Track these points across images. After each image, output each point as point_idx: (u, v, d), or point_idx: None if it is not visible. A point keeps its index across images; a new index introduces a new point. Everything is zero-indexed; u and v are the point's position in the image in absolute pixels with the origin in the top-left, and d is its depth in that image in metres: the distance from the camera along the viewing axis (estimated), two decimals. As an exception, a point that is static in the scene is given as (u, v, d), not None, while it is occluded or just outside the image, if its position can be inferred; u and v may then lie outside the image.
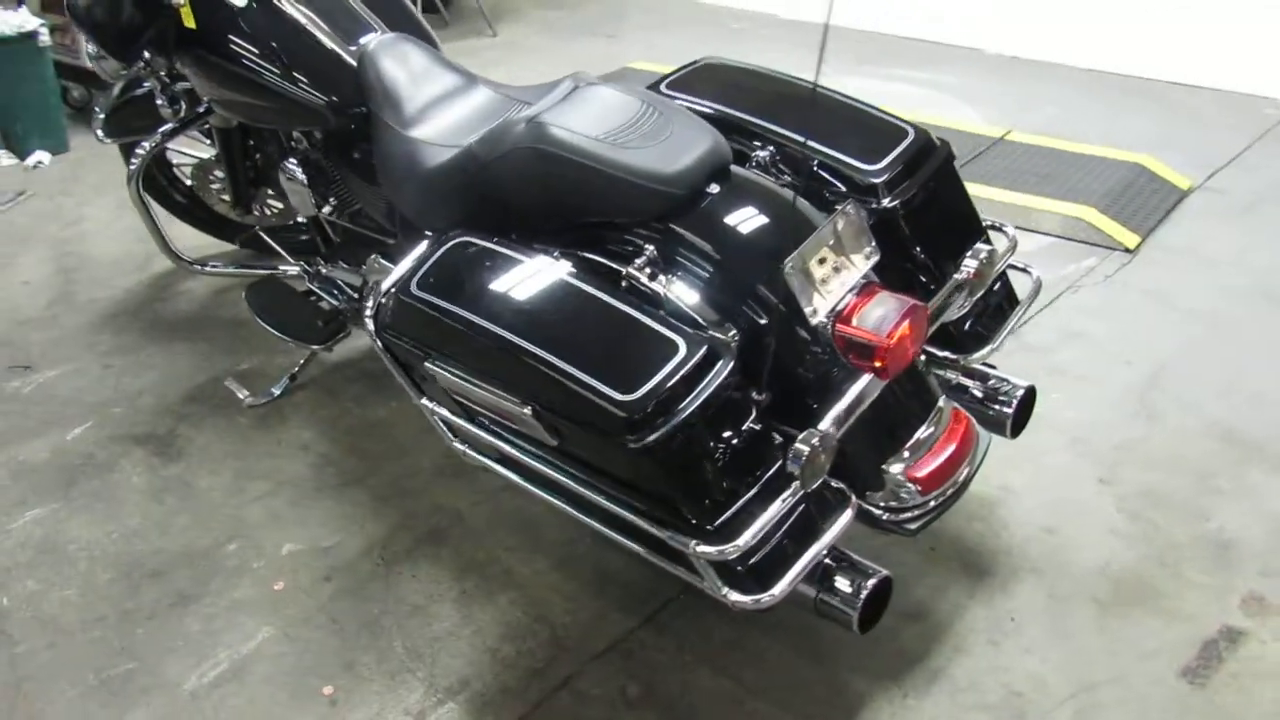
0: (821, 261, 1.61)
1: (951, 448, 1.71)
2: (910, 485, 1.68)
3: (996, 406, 1.89)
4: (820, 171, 1.83)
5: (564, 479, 1.61)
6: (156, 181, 2.96)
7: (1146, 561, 2.06)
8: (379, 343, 1.75)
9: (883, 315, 1.57)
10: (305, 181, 2.34)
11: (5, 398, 2.68)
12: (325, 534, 2.20)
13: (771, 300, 1.59)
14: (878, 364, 1.55)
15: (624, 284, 1.67)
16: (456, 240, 1.73)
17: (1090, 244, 3.20)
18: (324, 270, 2.55)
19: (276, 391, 2.62)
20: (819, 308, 1.58)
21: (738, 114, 1.92)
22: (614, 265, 1.68)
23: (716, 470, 1.50)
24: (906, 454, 1.69)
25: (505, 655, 1.91)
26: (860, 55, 4.91)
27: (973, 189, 3.48)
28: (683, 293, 1.65)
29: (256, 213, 2.80)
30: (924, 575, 2.04)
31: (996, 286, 1.95)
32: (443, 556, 2.13)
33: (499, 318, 1.59)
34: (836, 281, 1.61)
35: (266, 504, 2.28)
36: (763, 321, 1.60)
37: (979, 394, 1.91)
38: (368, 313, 1.75)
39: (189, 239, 3.09)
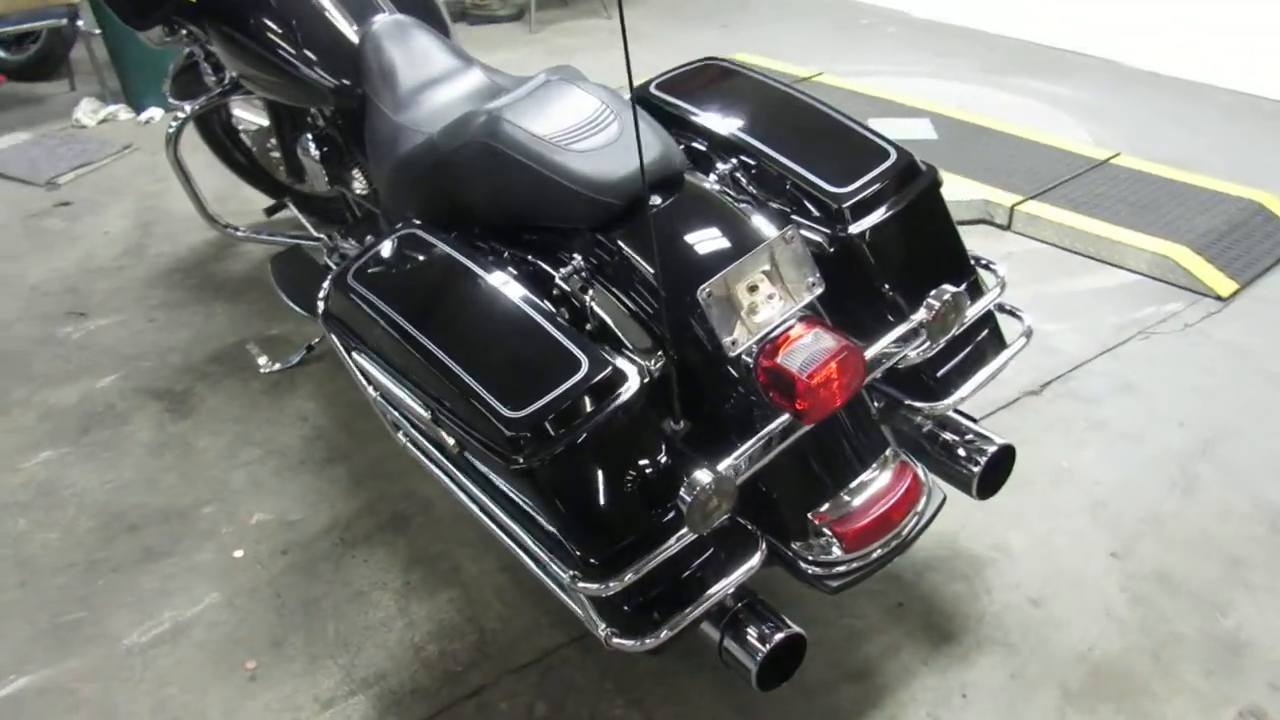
0: (753, 289, 1.49)
1: (887, 505, 1.56)
2: (833, 539, 1.54)
3: (964, 463, 1.72)
4: (791, 190, 1.70)
5: (471, 487, 1.57)
6: (221, 143, 3.06)
7: (1138, 653, 1.84)
8: (325, 330, 1.74)
9: (810, 354, 1.43)
10: (317, 158, 2.36)
11: (56, 342, 2.84)
12: (296, 508, 2.22)
13: (695, 326, 1.49)
14: (798, 406, 1.43)
15: (555, 294, 1.60)
16: (404, 233, 1.70)
17: (1177, 287, 2.89)
18: (341, 245, 2.58)
19: (294, 359, 2.67)
20: (740, 338, 1.46)
21: (714, 122, 1.81)
22: (551, 273, 1.62)
23: (609, 501, 1.41)
24: (836, 505, 1.55)
25: (428, 655, 1.88)
26: (987, 62, 4.62)
27: (1055, 214, 3.30)
28: (610, 309, 1.57)
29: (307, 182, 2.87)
30: (881, 632, 1.89)
31: (984, 332, 1.76)
32: (399, 545, 2.12)
33: (415, 317, 1.54)
34: (769, 311, 1.49)
35: (252, 471, 2.33)
36: (687, 347, 1.50)
37: (946, 447, 1.74)
38: (319, 298, 1.74)
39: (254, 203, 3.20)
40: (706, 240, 1.55)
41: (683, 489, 1.34)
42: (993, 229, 3.28)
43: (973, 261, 1.75)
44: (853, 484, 1.56)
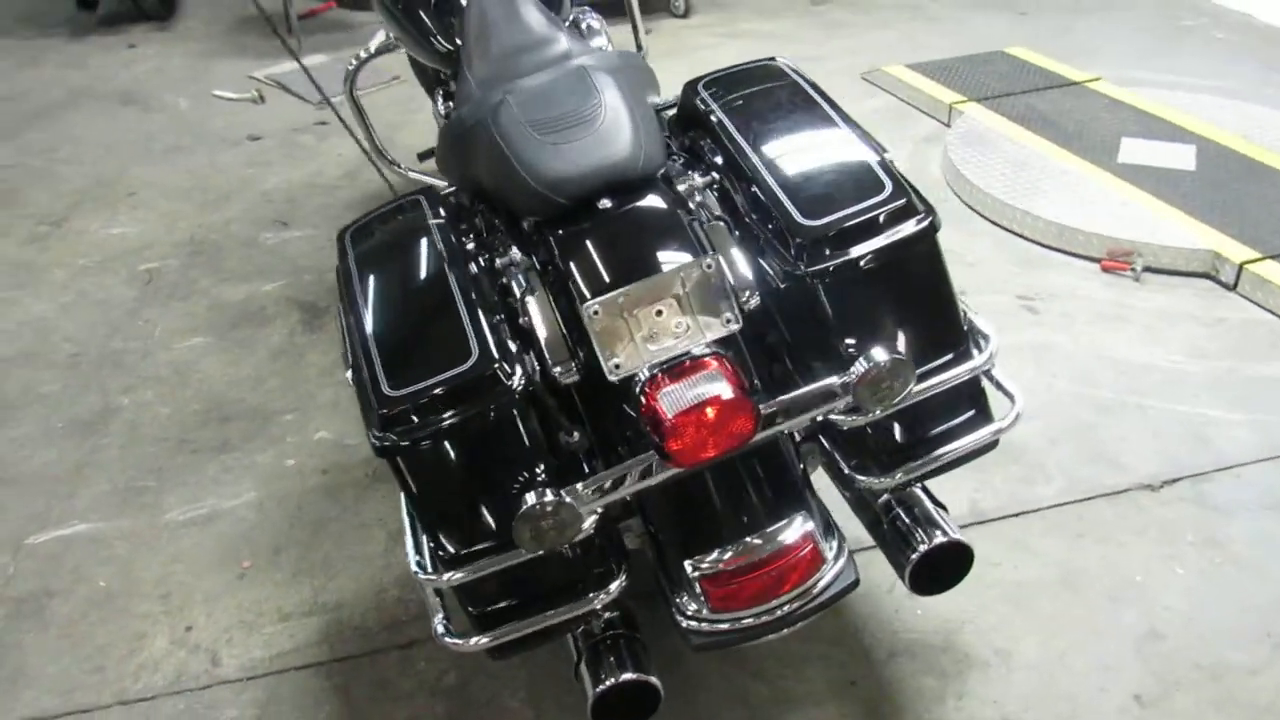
0: (659, 314, 1.38)
1: (768, 574, 1.41)
2: (701, 593, 1.42)
3: (903, 550, 1.50)
4: (766, 214, 1.54)
5: None
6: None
7: (1102, 820, 1.54)
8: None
9: (688, 395, 1.32)
10: (440, 114, 2.47)
11: (254, 244, 3.24)
12: (355, 433, 2.40)
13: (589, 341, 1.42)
14: (666, 447, 1.32)
15: (503, 284, 1.59)
16: (409, 199, 1.76)
17: None
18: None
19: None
20: (626, 362, 1.37)
21: (728, 129, 1.67)
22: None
23: (463, 498, 1.40)
24: (714, 559, 1.42)
25: (387, 598, 1.98)
26: (1270, 61, 3.88)
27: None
28: (542, 308, 1.53)
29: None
30: (817, 704, 1.72)
31: (967, 410, 1.51)
32: (417, 489, 2.23)
33: (364, 280, 1.60)
34: (670, 340, 1.38)
35: (337, 392, 2.54)
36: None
37: (895, 527, 1.53)
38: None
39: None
40: (625, 254, 1.46)
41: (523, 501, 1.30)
42: (1215, 286, 2.76)
43: (967, 327, 1.51)
44: (739, 541, 1.42)
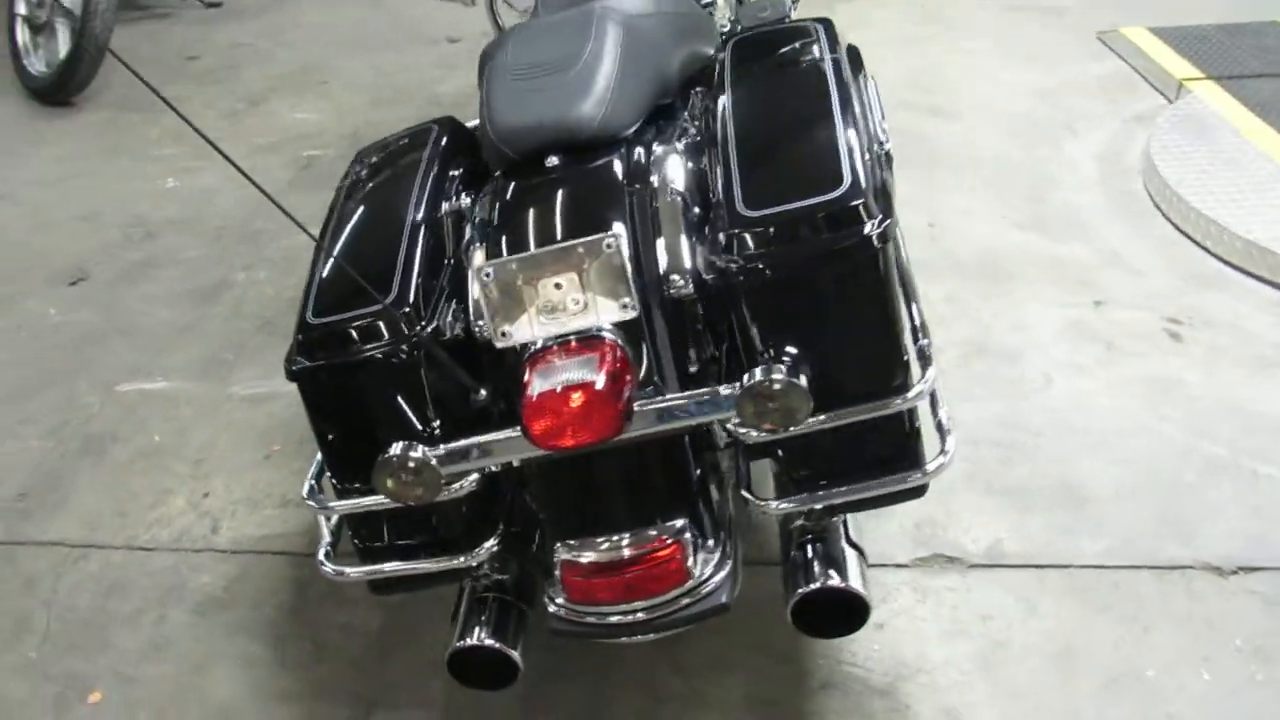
0: (558, 286, 1.30)
1: (625, 575, 1.32)
2: (561, 579, 1.37)
3: (791, 583, 1.36)
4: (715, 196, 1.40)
5: None
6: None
7: None
8: None
9: (558, 377, 1.24)
10: None
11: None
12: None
13: None
14: (527, 424, 1.26)
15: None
16: (423, 126, 1.75)
17: None
18: None
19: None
20: (516, 332, 1.30)
21: (725, 95, 1.53)
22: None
23: (358, 435, 1.41)
24: (580, 548, 1.35)
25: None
26: None
27: None
28: (473, 259, 1.49)
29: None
30: (722, 715, 1.62)
31: (894, 447, 1.31)
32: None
33: (339, 203, 1.63)
34: (565, 317, 1.30)
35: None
36: None
37: (797, 558, 1.38)
38: None
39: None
40: (540, 219, 1.38)
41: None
42: None
43: (908, 358, 1.31)
44: (607, 538, 1.35)
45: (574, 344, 1.28)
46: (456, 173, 1.68)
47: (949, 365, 2.28)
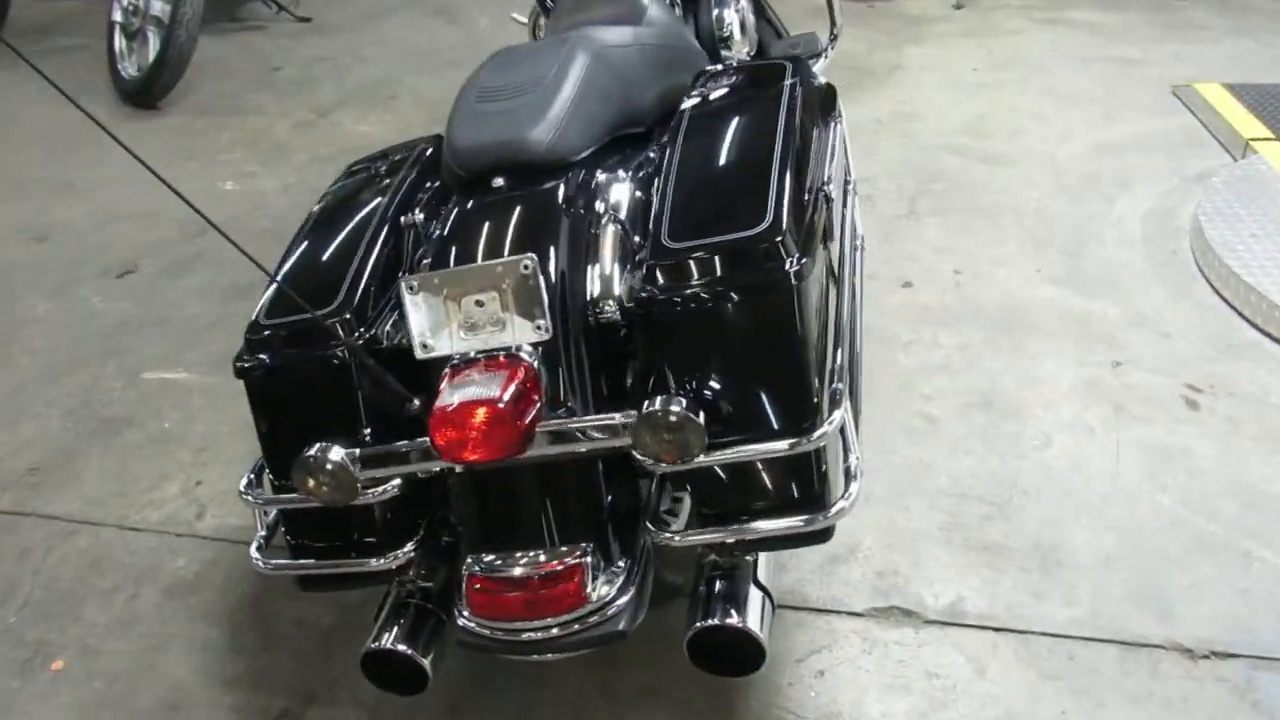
0: (479, 304, 1.33)
1: (527, 595, 1.33)
2: (465, 589, 1.38)
3: (689, 616, 1.34)
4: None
5: None
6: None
7: None
8: None
9: (465, 392, 1.26)
10: None
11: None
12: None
13: None
14: (432, 435, 1.29)
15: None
16: (421, 141, 1.82)
17: None
18: None
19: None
20: (437, 345, 1.33)
21: (676, 124, 1.55)
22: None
23: (296, 435, 1.46)
24: (488, 561, 1.37)
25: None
26: None
27: None
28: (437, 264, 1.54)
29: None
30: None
31: (798, 490, 1.29)
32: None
33: (318, 209, 1.69)
34: (484, 335, 1.32)
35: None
36: None
37: (701, 591, 1.37)
38: None
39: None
40: (470, 237, 1.42)
41: None
42: None
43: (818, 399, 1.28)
44: (513, 553, 1.36)
45: (487, 361, 1.30)
46: (433, 186, 1.74)
47: (947, 416, 2.23)
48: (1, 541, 2.08)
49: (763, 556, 1.39)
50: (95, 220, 3.32)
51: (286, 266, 1.55)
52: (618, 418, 1.26)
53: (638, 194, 1.50)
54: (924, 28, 4.47)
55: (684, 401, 1.22)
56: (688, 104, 1.60)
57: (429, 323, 1.32)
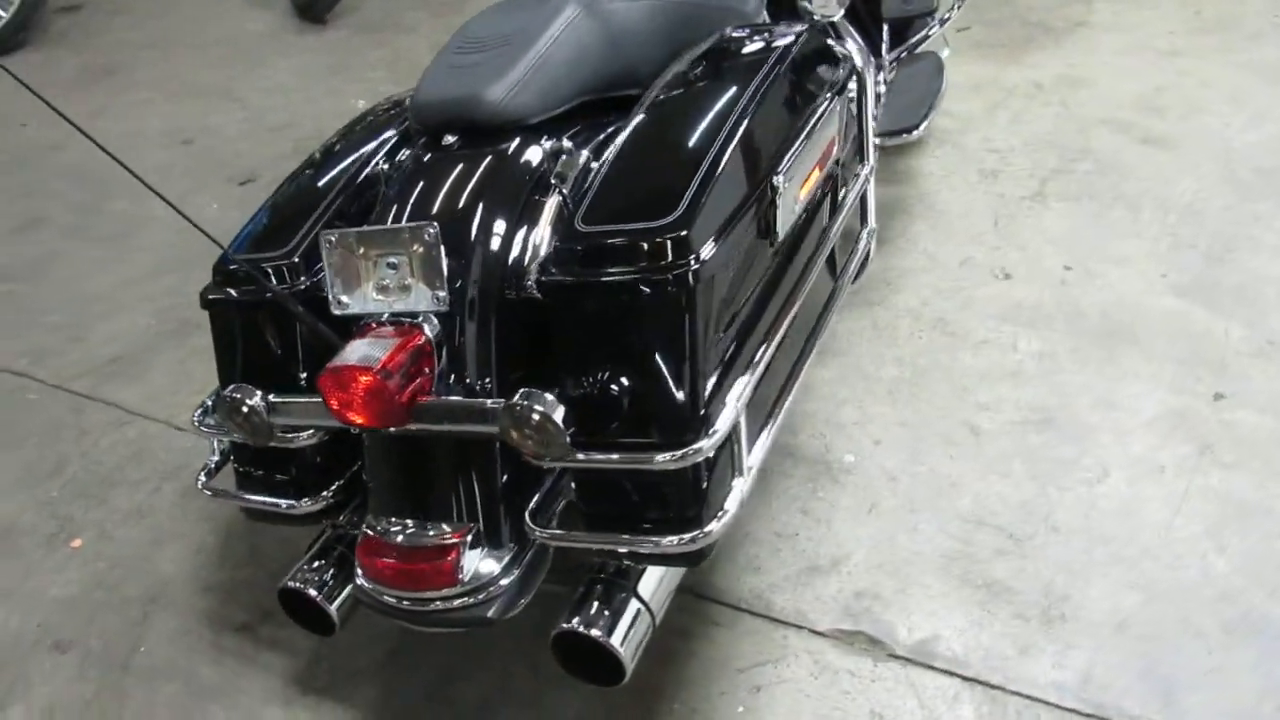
0: (392, 266, 1.30)
1: (401, 565, 1.31)
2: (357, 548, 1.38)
3: (561, 615, 1.28)
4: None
5: None
6: None
7: None
8: None
9: (357, 354, 1.24)
10: None
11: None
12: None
13: None
14: (322, 392, 1.28)
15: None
16: None
17: None
18: None
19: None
20: (349, 302, 1.32)
21: (661, 91, 1.44)
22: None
23: (245, 370, 1.50)
24: (382, 525, 1.36)
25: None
26: None
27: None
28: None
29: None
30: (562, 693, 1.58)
31: (675, 495, 1.18)
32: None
33: (306, 163, 1.71)
34: (391, 298, 1.30)
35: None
36: None
37: (584, 587, 1.30)
38: None
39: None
40: (400, 197, 1.39)
41: None
42: None
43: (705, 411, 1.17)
44: (398, 521, 1.34)
45: (393, 326, 1.28)
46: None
47: (996, 430, 2.02)
48: (67, 420, 2.28)
49: (652, 570, 1.31)
50: (240, 129, 3.52)
51: (262, 209, 1.57)
52: (487, 404, 1.21)
53: (592, 165, 1.41)
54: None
55: (550, 398, 1.15)
56: (668, 71, 1.48)
57: (344, 279, 1.31)
